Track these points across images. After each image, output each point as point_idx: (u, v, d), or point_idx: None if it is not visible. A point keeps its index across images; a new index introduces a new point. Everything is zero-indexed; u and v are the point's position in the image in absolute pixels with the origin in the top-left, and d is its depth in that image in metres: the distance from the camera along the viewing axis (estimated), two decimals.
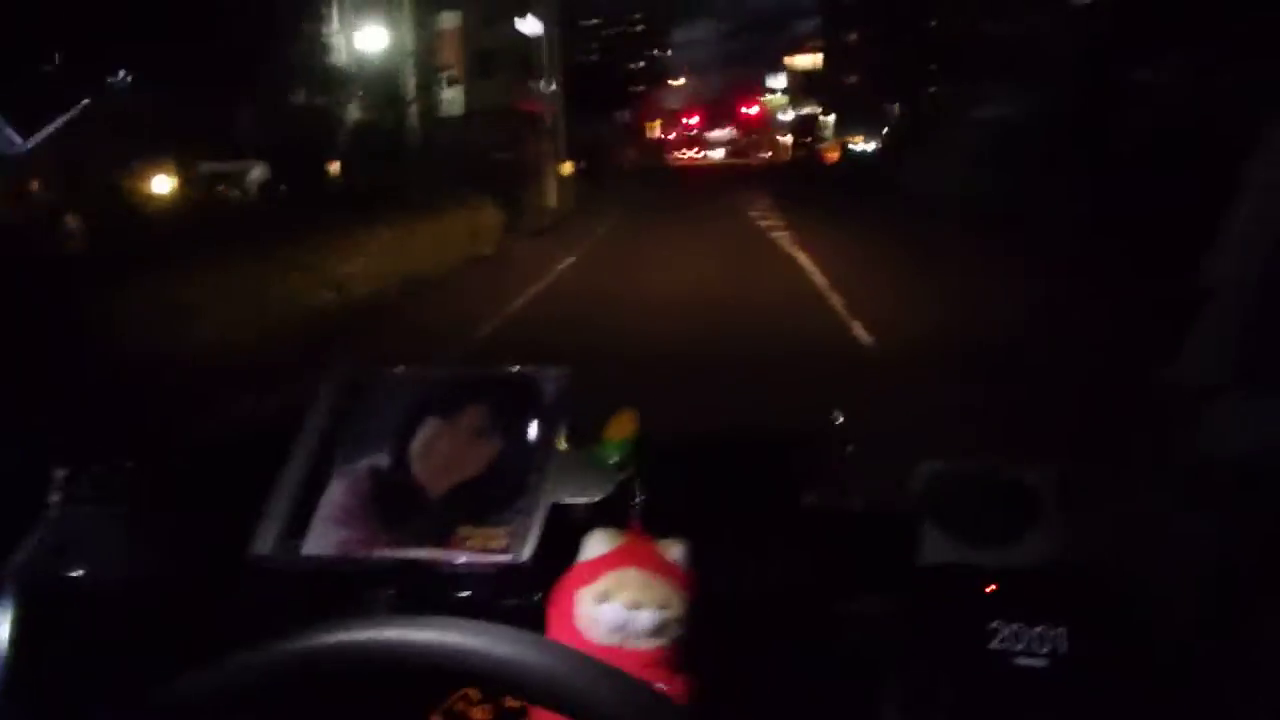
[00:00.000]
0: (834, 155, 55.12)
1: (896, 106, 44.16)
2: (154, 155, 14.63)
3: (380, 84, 20.52)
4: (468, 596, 0.83)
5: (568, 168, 29.36)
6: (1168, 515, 0.82)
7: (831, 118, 67.22)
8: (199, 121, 14.56)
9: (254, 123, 17.13)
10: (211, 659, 0.55)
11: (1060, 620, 0.83)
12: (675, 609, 0.75)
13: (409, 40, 21.02)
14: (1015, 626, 0.83)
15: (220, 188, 16.73)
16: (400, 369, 0.99)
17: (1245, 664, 0.77)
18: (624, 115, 64.10)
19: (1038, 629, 0.82)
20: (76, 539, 0.80)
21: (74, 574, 0.78)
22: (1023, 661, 0.81)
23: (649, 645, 0.74)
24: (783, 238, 15.63)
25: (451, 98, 26.14)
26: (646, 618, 0.74)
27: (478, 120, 26.40)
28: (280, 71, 17.40)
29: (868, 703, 0.84)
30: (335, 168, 18.82)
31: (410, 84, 20.72)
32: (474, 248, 14.16)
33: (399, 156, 18.78)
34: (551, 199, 24.13)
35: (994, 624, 0.83)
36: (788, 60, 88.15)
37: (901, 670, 0.85)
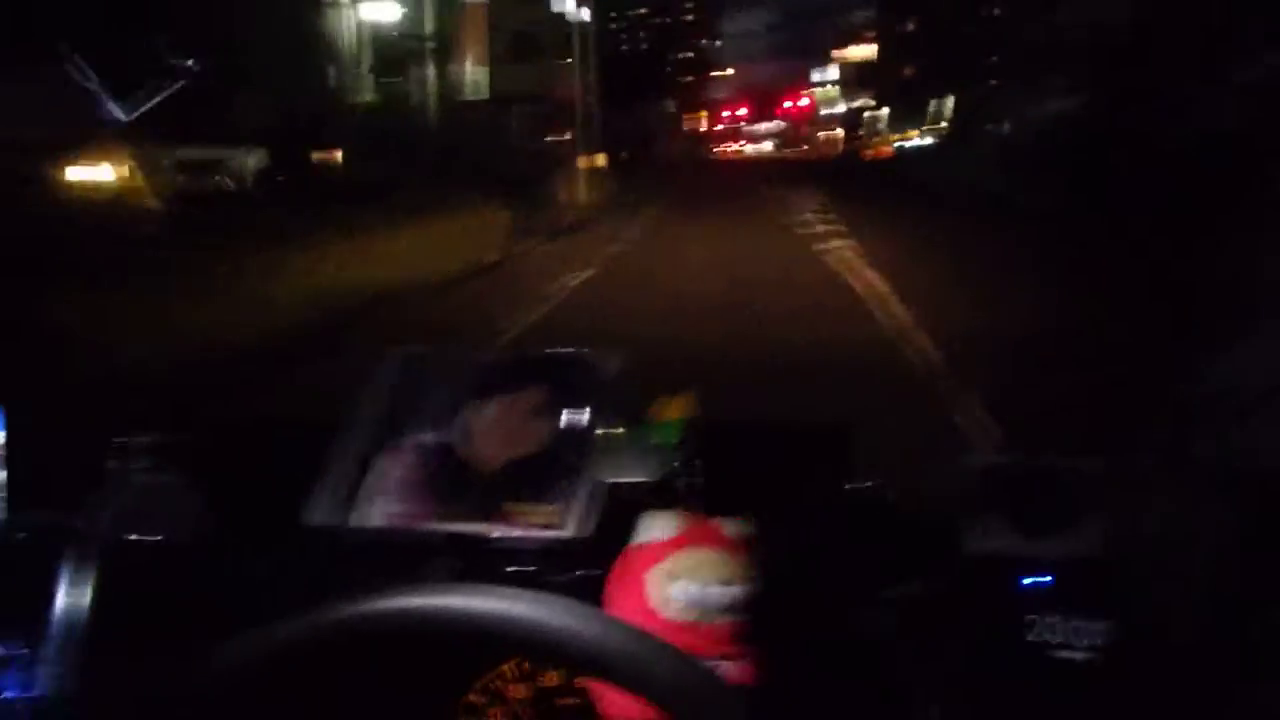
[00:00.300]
0: (887, 150, 51.94)
1: (952, 100, 42.08)
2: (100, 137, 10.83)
3: (394, 63, 18.75)
4: (517, 571, 0.84)
5: (601, 160, 27.12)
6: (1208, 512, 0.82)
7: (885, 111, 64.34)
8: (185, 100, 11.74)
9: (252, 103, 14.92)
10: (269, 622, 0.57)
11: (1101, 614, 0.83)
12: (743, 584, 0.77)
13: (428, 15, 19.19)
14: (1055, 619, 0.83)
15: (217, 177, 13.73)
16: (457, 349, 1.01)
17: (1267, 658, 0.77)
18: (668, 105, 61.44)
19: (1078, 622, 0.83)
20: (144, 505, 0.83)
21: (145, 538, 0.81)
22: (1062, 654, 0.82)
23: (723, 621, 0.76)
24: (842, 260, 11.65)
25: (477, 81, 24.36)
26: (720, 594, 0.76)
27: (501, 107, 24.03)
28: (280, 46, 15.58)
29: (908, 688, 0.85)
30: (338, 156, 16.39)
31: (428, 64, 18.93)
32: (473, 254, 11.39)
33: (411, 145, 17.03)
34: (580, 195, 21.30)
35: (1034, 615, 0.84)
36: (839, 52, 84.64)
37: (942, 655, 0.86)
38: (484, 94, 24.52)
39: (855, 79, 78.76)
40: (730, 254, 12.94)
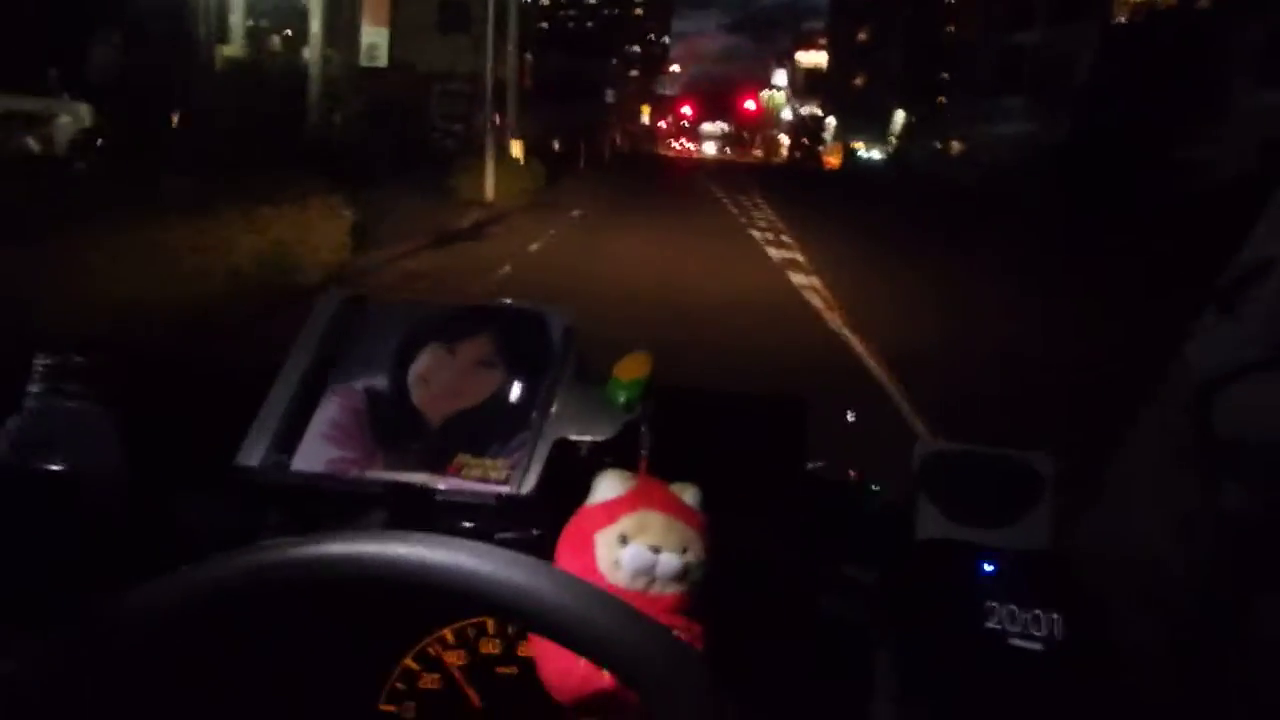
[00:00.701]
0: (834, 160, 50.41)
1: (901, 114, 41.57)
2: None
3: (281, 15, 16.22)
4: (463, 529, 0.80)
5: (517, 149, 22.38)
6: (1177, 499, 0.81)
7: (833, 120, 63.29)
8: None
9: (97, 50, 12.51)
10: (194, 564, 0.52)
11: (1052, 605, 0.82)
12: (695, 553, 0.73)
13: None
14: (1010, 607, 0.82)
15: (20, 135, 11.20)
16: (402, 297, 0.96)
17: (1245, 654, 0.76)
18: (610, 94, 56.84)
19: (1033, 612, 0.82)
20: (57, 431, 0.76)
21: (53, 467, 0.75)
22: (1017, 643, 0.81)
23: (672, 590, 0.72)
24: (804, 284, 10.51)
25: (374, 45, 20.32)
26: (670, 561, 0.71)
27: (419, 82, 21.66)
28: None
29: (859, 671, 0.83)
30: (183, 120, 13.33)
31: (314, 20, 15.21)
32: (284, 273, 7.94)
33: (275, 115, 13.77)
34: (489, 191, 17.50)
35: (989, 603, 0.82)
36: (797, 56, 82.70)
37: (893, 641, 0.84)
38: (381, 61, 20.54)
39: (804, 86, 77.72)
40: (666, 270, 10.71)
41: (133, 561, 0.61)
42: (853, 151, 49.47)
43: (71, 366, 0.78)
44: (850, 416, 0.98)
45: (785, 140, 75.70)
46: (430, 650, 0.80)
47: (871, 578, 0.90)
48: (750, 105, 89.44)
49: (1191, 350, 0.76)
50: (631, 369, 0.84)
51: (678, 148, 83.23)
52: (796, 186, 30.39)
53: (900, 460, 0.92)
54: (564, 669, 0.70)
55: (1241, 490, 0.73)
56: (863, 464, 1.07)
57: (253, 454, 0.83)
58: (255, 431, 0.84)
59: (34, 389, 0.77)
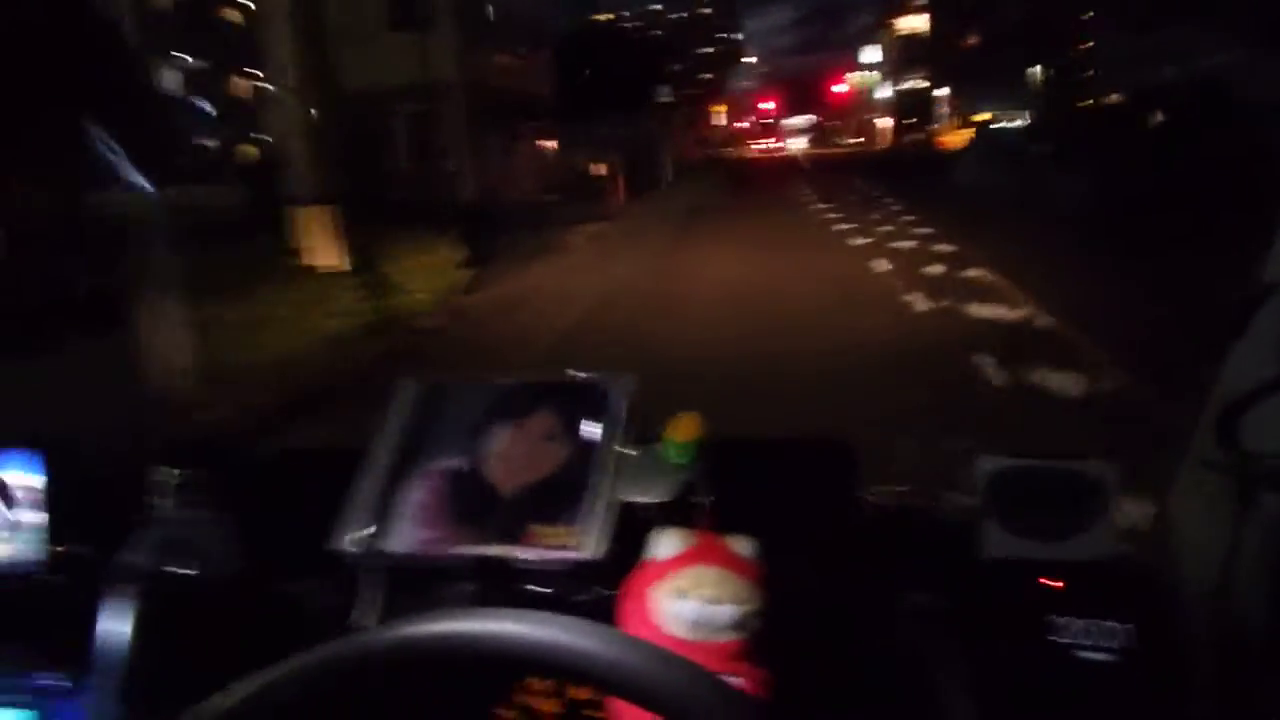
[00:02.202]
0: (955, 140, 39.66)
1: (1039, 70, 32.40)
2: None
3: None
4: (541, 592, 0.87)
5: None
6: (1227, 511, 0.83)
7: (945, 91, 52.75)
8: None
9: None
10: (300, 653, 0.59)
11: (1126, 615, 0.83)
12: (751, 603, 0.78)
13: None
14: (1081, 621, 0.84)
15: None
16: (473, 377, 1.04)
17: None
18: (666, 94, 46.02)
19: (1103, 624, 0.83)
20: (179, 538, 0.86)
21: (186, 572, 0.84)
22: (1087, 655, 0.83)
23: (728, 639, 0.78)
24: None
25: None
26: (725, 612, 0.77)
27: (369, 106, 13.77)
28: None
29: (930, 699, 0.85)
30: None
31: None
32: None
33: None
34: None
35: (1058, 619, 0.84)
36: (893, 23, 69.17)
37: (962, 666, 0.86)
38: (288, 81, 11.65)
39: (902, 58, 64.74)
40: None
41: (254, 647, 0.69)
42: (984, 125, 36.84)
43: (195, 480, 0.88)
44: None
45: (885, 123, 65.74)
46: (522, 699, 0.87)
47: (941, 603, 0.91)
48: (839, 88, 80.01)
49: (1222, 367, 0.78)
50: (683, 430, 0.91)
51: (761, 148, 75.50)
52: (923, 185, 21.18)
53: None
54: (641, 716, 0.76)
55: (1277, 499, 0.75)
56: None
57: (346, 539, 0.92)
58: (346, 518, 0.93)
59: (163, 501, 0.87)
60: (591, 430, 0.95)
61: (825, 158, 49.28)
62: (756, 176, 36.57)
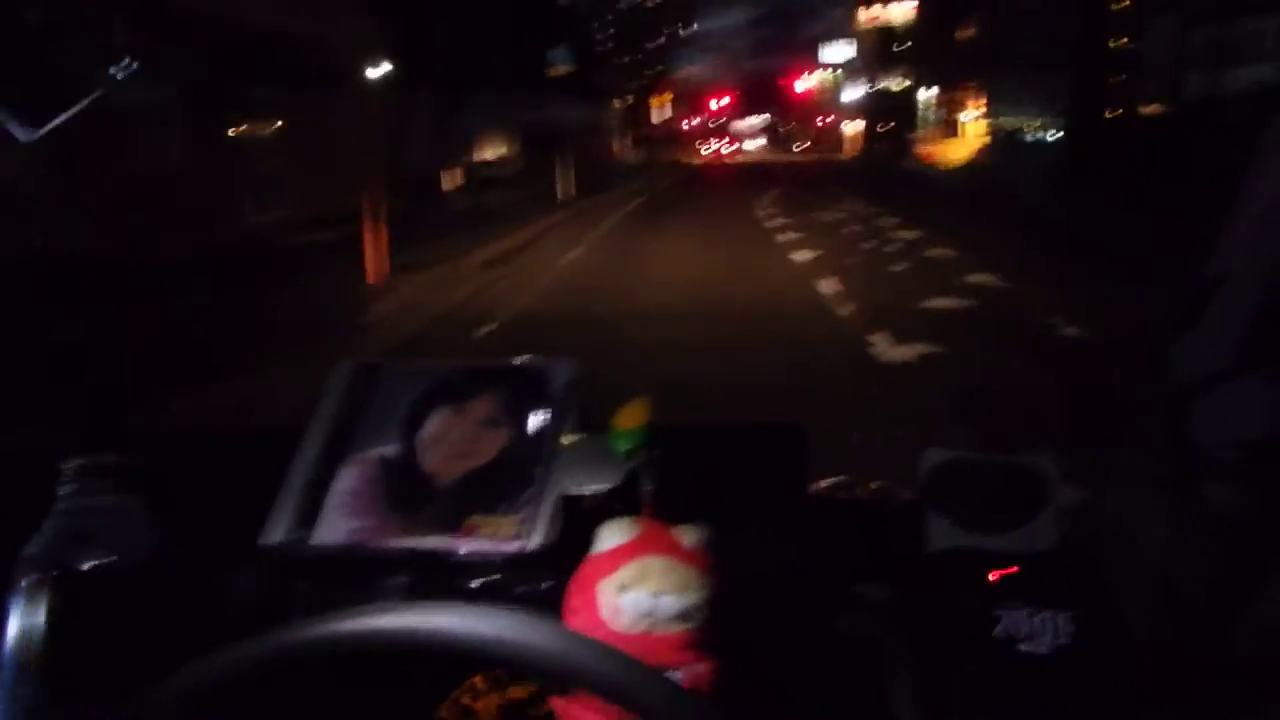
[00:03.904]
0: (942, 151, 33.68)
1: (1066, 72, 24.73)
2: None
3: None
4: (479, 584, 0.84)
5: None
6: (1168, 500, 0.83)
7: (932, 92, 43.26)
8: None
9: None
10: (230, 645, 0.57)
11: (1064, 607, 0.83)
12: (697, 593, 0.76)
13: None
14: (1020, 613, 0.83)
15: None
16: (410, 360, 1.01)
17: (1247, 650, 0.78)
18: (563, 57, 35.26)
19: (1042, 616, 0.83)
20: (94, 528, 0.82)
21: (96, 563, 0.80)
22: (1029, 648, 0.82)
23: (675, 630, 0.76)
24: None
25: None
26: (670, 603, 0.75)
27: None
28: None
29: (876, 689, 0.86)
30: None
31: None
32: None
33: None
34: None
35: (999, 611, 0.84)
36: (871, 11, 57.14)
37: (909, 657, 0.87)
38: None
39: (879, 53, 53.99)
40: None
41: (174, 642, 0.66)
42: (1011, 134, 29.59)
43: (102, 465, 0.83)
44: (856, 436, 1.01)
45: (857, 130, 54.79)
46: (462, 699, 0.85)
47: (884, 594, 0.91)
48: (802, 85, 69.30)
49: (1166, 358, 0.78)
50: (630, 418, 0.89)
51: (707, 153, 64.27)
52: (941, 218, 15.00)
53: None
54: (589, 714, 0.74)
55: (1225, 490, 0.75)
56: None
57: (276, 530, 0.88)
58: (278, 508, 0.89)
59: (66, 489, 0.83)
60: (534, 416, 0.92)
61: (791, 167, 40.70)
62: (701, 194, 26.06)
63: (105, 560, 0.80)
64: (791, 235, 14.14)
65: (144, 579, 0.81)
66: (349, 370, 0.99)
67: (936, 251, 11.60)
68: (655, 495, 0.85)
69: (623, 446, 0.88)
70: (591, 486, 0.87)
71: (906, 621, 0.89)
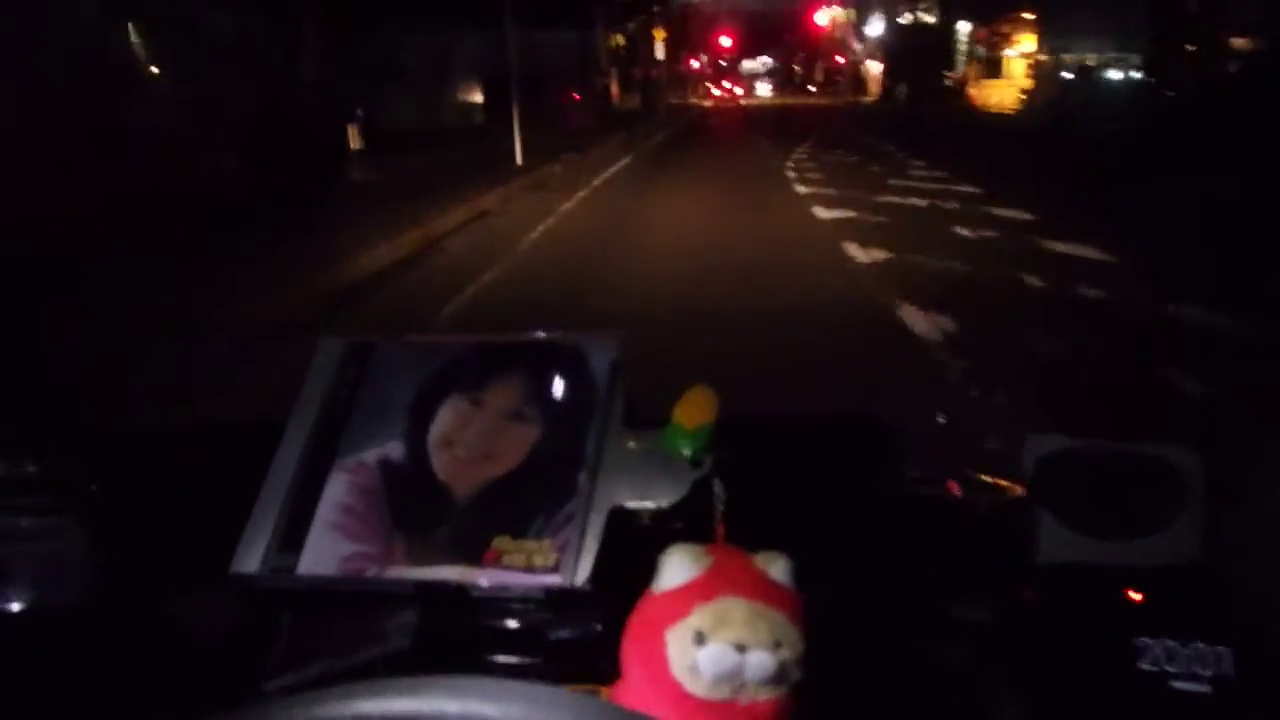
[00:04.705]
0: (1000, 95, 28.95)
1: None
2: None
3: None
4: (508, 628, 0.67)
5: None
6: None
7: (966, 26, 38.13)
8: None
9: None
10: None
11: (1219, 636, 0.68)
12: (792, 646, 0.58)
13: None
14: (1167, 642, 0.68)
15: None
16: (413, 336, 0.82)
17: None
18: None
19: (1192, 646, 0.68)
20: (11, 559, 0.64)
21: (16, 605, 0.63)
22: (1181, 686, 0.67)
23: (767, 696, 0.58)
24: None
25: None
26: (761, 662, 0.57)
27: None
28: None
29: None
30: None
31: None
32: None
33: None
34: None
35: (1140, 640, 0.68)
36: None
37: (1020, 694, 0.71)
38: None
39: None
40: None
41: (119, 704, 0.50)
42: (1091, 70, 24.77)
43: (26, 477, 0.65)
44: (941, 419, 0.84)
45: (878, 69, 48.90)
46: None
47: (985, 616, 0.75)
48: (823, 18, 61.13)
49: None
50: (694, 412, 0.70)
51: (718, 94, 58.98)
52: None
53: None
54: None
55: None
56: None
57: (251, 556, 0.70)
58: (252, 527, 0.71)
59: None
60: (573, 408, 0.74)
61: (812, 114, 32.99)
62: (714, 152, 19.35)
63: (27, 601, 0.62)
64: (846, 214, 9.51)
65: (80, 623, 0.64)
66: (338, 351, 0.81)
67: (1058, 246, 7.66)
68: (728, 512, 0.67)
69: (687, 448, 0.69)
70: (650, 501, 0.69)
71: (1014, 650, 0.73)
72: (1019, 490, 0.80)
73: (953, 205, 10.07)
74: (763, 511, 0.67)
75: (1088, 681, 0.69)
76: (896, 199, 10.67)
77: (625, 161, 16.13)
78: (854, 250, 7.52)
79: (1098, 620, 0.71)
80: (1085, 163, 13.71)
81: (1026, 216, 9.11)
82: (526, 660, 0.67)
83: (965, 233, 8.39)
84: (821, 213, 9.70)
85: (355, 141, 13.40)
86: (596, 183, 13.09)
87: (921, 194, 10.95)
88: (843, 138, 21.05)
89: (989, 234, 8.31)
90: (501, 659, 0.67)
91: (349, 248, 7.23)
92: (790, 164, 14.83)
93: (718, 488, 0.68)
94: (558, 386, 0.75)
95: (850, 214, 9.33)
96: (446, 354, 0.79)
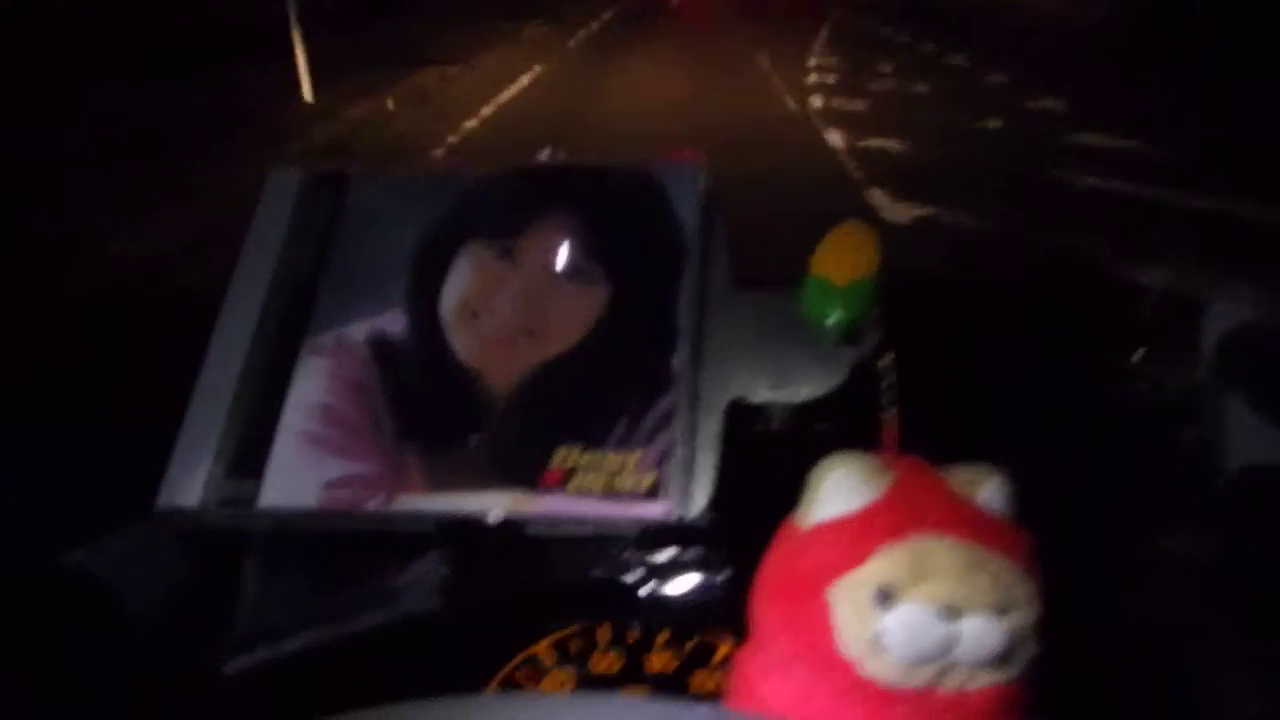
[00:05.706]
0: None
1: None
2: None
3: None
4: (581, 582, 0.45)
5: None
6: None
7: None
8: None
9: None
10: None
11: None
12: (1023, 608, 0.37)
13: None
14: None
15: None
16: (407, 168, 0.58)
17: None
18: None
19: None
20: None
21: None
22: None
23: (983, 683, 0.37)
24: None
25: None
26: (982, 631, 0.36)
27: None
28: None
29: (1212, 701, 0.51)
30: None
31: None
32: None
33: None
34: None
35: None
36: None
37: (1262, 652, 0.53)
38: None
39: None
40: None
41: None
42: None
43: None
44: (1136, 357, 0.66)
45: None
46: (517, 677, 0.47)
47: (1207, 551, 0.56)
48: None
49: None
50: (847, 259, 0.48)
51: None
52: None
53: None
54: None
55: None
56: None
57: (189, 484, 0.47)
58: (187, 441, 0.48)
59: None
60: (651, 261, 0.51)
61: None
62: None
63: None
64: None
65: None
66: (297, 185, 0.56)
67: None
68: (903, 407, 0.46)
69: (834, 315, 0.47)
70: (785, 391, 0.47)
71: (1245, 587, 0.54)
72: (1192, 372, 0.62)
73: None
74: (954, 407, 0.45)
75: None
76: None
77: None
78: None
79: None
80: None
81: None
82: (611, 631, 0.47)
83: None
84: None
85: None
86: None
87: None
88: None
89: None
90: (572, 631, 0.47)
91: None
92: None
93: (887, 373, 0.47)
94: (627, 231, 0.52)
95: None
96: (457, 187, 0.55)
